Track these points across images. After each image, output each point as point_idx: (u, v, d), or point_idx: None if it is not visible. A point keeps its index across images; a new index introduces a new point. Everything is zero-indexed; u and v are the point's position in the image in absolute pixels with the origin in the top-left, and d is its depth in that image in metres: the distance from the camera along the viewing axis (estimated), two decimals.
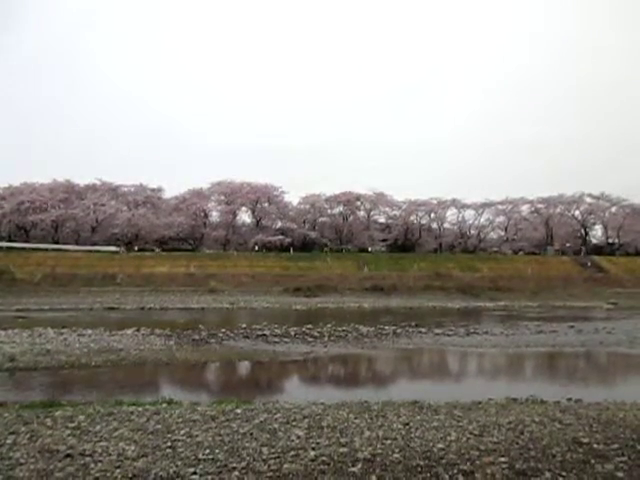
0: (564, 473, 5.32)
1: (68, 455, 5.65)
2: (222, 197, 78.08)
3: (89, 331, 20.33)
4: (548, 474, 5.28)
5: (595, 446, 6.21)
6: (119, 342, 17.78)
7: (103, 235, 72.33)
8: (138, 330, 20.95)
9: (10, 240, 67.18)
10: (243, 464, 5.41)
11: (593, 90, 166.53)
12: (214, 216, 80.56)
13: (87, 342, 17.56)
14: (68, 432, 6.59)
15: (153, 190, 79.35)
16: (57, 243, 68.31)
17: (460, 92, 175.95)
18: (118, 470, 5.20)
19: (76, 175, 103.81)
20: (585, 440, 6.43)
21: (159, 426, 6.94)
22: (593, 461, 5.70)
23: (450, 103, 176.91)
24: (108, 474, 5.11)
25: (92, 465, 5.35)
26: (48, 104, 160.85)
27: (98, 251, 64.32)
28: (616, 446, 6.24)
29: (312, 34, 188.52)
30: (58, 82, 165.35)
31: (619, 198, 78.72)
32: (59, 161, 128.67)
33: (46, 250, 62.31)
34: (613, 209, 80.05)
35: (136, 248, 69.40)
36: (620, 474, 5.33)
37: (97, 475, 5.08)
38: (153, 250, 68.51)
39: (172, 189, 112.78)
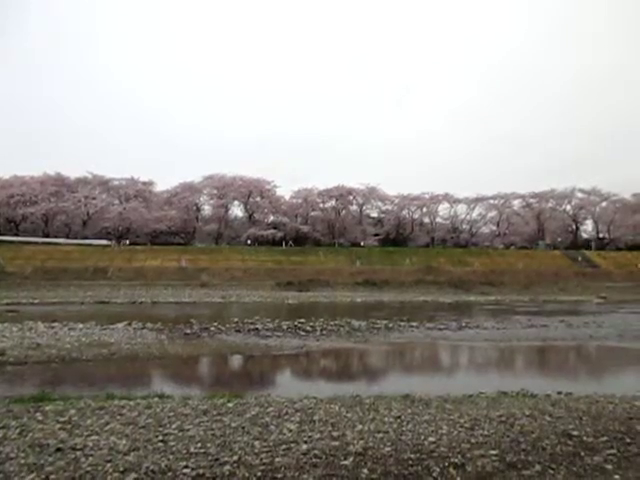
0: (554, 465, 5.36)
1: (59, 449, 5.62)
2: (214, 191, 77.87)
3: (80, 325, 20.23)
4: (538, 466, 5.31)
5: (585, 439, 6.26)
6: (110, 336, 17.70)
7: (94, 229, 72.00)
8: (129, 324, 20.88)
9: (0, 233, 66.65)
10: (235, 458, 5.41)
11: (587, 85, 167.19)
12: (206, 210, 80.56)
13: (78, 336, 17.47)
14: (59, 426, 6.55)
15: (144, 184, 79.01)
16: (48, 237, 67.91)
17: (454, 87, 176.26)
18: (109, 464, 5.18)
19: (67, 168, 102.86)
20: (575, 433, 6.47)
21: (150, 420, 6.91)
22: (583, 453, 5.74)
23: (443, 98, 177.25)
24: (99, 468, 5.08)
25: (83, 459, 5.32)
26: (37, 97, 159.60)
27: (89, 245, 64.00)
28: (605, 439, 6.29)
29: (305, 27, 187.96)
30: (49, 75, 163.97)
31: (610, 193, 79.45)
32: (50, 154, 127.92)
33: (36, 243, 61.96)
34: (604, 204, 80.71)
35: (127, 242, 69.10)
36: (609, 466, 5.38)
37: (88, 469, 5.06)
38: (145, 244, 68.23)
39: (164, 183, 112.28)
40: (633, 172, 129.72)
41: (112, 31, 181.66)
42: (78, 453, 5.50)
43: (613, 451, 5.84)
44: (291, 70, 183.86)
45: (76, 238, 68.44)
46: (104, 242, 66.74)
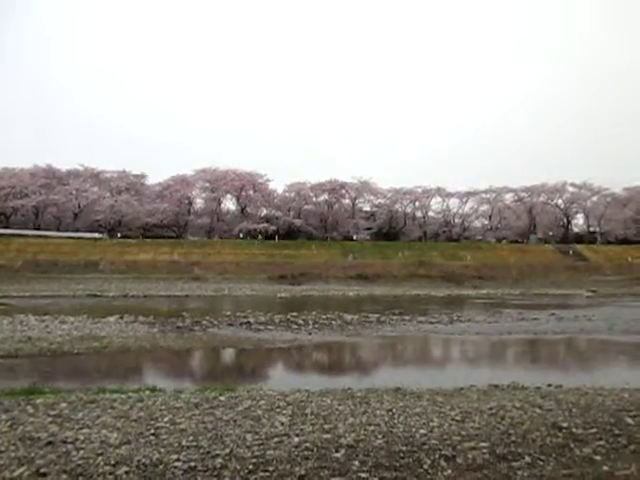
0: (543, 457, 5.40)
1: (49, 443, 5.59)
2: (207, 184, 77.52)
3: (71, 318, 20.13)
4: (528, 458, 5.35)
5: (574, 430, 6.31)
6: (102, 329, 17.64)
7: (85, 221, 71.53)
8: (121, 317, 20.81)
9: None
10: (227, 451, 5.41)
11: (582, 81, 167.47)
12: (198, 203, 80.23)
13: (69, 329, 17.40)
14: (50, 420, 6.52)
15: (136, 176, 78.50)
16: (38, 229, 67.42)
17: (448, 81, 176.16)
18: (100, 457, 5.16)
19: (57, 160, 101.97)
20: (564, 425, 6.52)
21: (142, 413, 6.90)
22: (572, 445, 5.78)
23: (437, 92, 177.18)
24: (90, 461, 5.06)
25: (74, 452, 5.30)
26: (28, 88, 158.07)
27: (80, 238, 63.61)
28: (594, 430, 6.34)
29: (301, 21, 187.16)
30: (39, 66, 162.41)
31: (600, 187, 79.77)
32: (40, 146, 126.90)
33: (27, 236, 61.46)
34: (595, 198, 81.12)
35: (119, 235, 68.77)
36: (598, 457, 5.43)
37: (79, 462, 5.04)
38: (137, 237, 67.93)
39: (156, 176, 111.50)
40: (625, 169, 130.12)
41: (103, 26, 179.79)
42: (69, 446, 5.48)
43: (602, 442, 5.89)
44: (284, 63, 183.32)
45: (67, 231, 67.97)
46: (95, 235, 66.34)
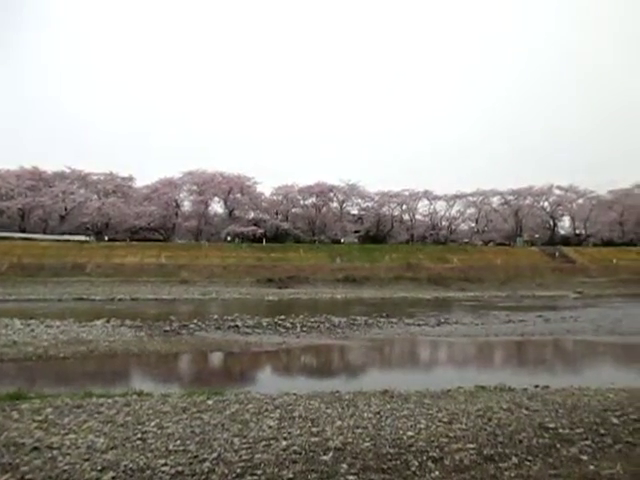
0: (530, 457, 5.45)
1: (35, 448, 5.54)
2: (194, 187, 77.14)
3: (57, 322, 19.95)
4: (515, 459, 5.40)
5: (561, 431, 6.37)
6: (88, 333, 17.49)
7: (72, 224, 70.84)
8: (108, 321, 20.66)
9: None
10: (214, 455, 5.40)
11: (575, 81, 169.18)
12: (186, 206, 79.68)
13: (55, 333, 17.23)
14: (35, 425, 6.46)
15: (124, 179, 77.93)
16: (24, 232, 66.64)
17: (435, 82, 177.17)
18: (87, 463, 5.13)
19: (43, 162, 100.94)
20: (551, 425, 6.58)
21: (129, 418, 6.86)
22: (559, 445, 5.85)
23: (423, 94, 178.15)
24: (76, 467, 5.02)
25: (60, 458, 5.25)
26: (14, 88, 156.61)
27: (67, 240, 62.97)
28: (581, 430, 6.41)
29: (289, 20, 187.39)
30: (27, 66, 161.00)
31: (586, 190, 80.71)
32: (25, 147, 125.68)
33: (13, 239, 60.76)
34: (580, 201, 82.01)
35: (106, 238, 68.26)
36: (584, 457, 5.49)
37: (65, 468, 5.00)
38: (124, 240, 67.44)
39: (143, 178, 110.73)
40: (614, 174, 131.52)
41: (90, 26, 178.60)
42: (55, 452, 5.43)
43: (588, 442, 5.97)
44: (273, 67, 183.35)
45: (53, 234, 67.28)
46: (82, 238, 65.75)
